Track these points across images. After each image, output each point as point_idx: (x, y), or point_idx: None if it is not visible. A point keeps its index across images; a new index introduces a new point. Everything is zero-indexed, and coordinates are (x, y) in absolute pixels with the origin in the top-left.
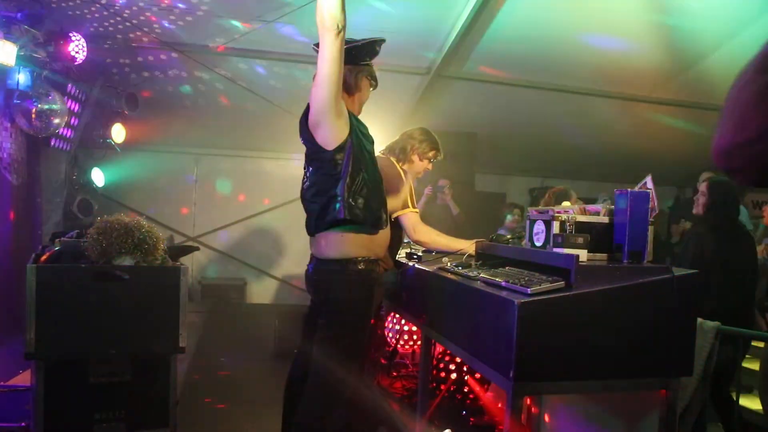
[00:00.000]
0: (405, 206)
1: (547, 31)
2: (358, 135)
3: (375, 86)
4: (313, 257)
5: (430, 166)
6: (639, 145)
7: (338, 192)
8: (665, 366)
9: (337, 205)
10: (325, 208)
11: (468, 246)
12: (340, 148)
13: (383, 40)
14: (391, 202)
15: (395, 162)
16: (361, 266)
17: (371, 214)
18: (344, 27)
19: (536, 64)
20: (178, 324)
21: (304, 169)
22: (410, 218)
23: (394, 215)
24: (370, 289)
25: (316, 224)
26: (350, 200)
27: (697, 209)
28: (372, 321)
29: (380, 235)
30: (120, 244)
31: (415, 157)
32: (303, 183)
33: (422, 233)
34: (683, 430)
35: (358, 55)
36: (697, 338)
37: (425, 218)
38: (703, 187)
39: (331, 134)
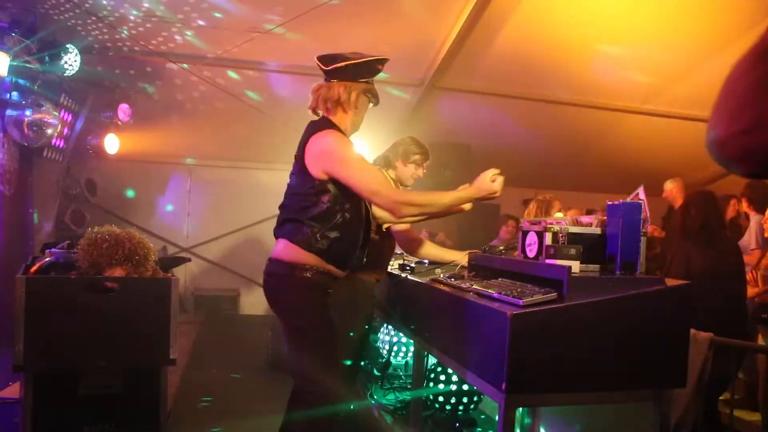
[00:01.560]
0: None
1: (539, 43)
2: None
3: (375, 104)
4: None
5: (419, 172)
6: (631, 157)
7: (306, 221)
8: (658, 377)
9: (300, 234)
10: (286, 223)
11: (461, 257)
12: (322, 183)
13: (385, 60)
14: (382, 212)
15: (384, 172)
16: (308, 274)
17: (336, 254)
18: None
19: (529, 75)
20: (168, 335)
21: (290, 176)
22: (402, 228)
23: (386, 225)
24: (319, 295)
25: (276, 231)
26: (317, 235)
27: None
28: (332, 328)
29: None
30: (110, 255)
31: (399, 163)
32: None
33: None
34: None
35: (357, 73)
36: (690, 349)
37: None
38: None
39: (320, 171)
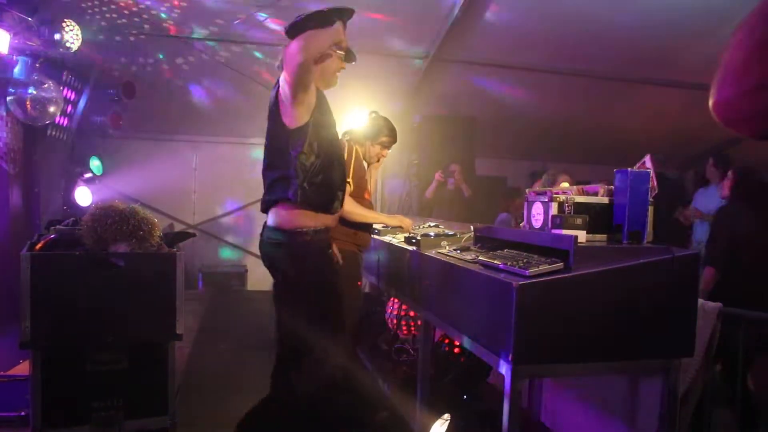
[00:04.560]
0: None
1: (546, 12)
2: (318, 117)
3: (348, 58)
4: (264, 225)
5: (384, 153)
6: (640, 128)
7: (291, 173)
8: (666, 347)
9: (290, 188)
10: (274, 185)
11: (388, 220)
12: (298, 130)
13: (347, 10)
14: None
15: (347, 139)
16: (308, 237)
17: (323, 198)
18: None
19: (536, 46)
20: (174, 310)
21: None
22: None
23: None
24: (321, 256)
25: (266, 199)
26: (304, 184)
27: (723, 192)
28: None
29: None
30: (114, 231)
31: (368, 142)
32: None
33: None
34: (685, 412)
35: (306, 27)
36: (698, 319)
37: (437, 203)
38: (729, 173)
39: (292, 115)
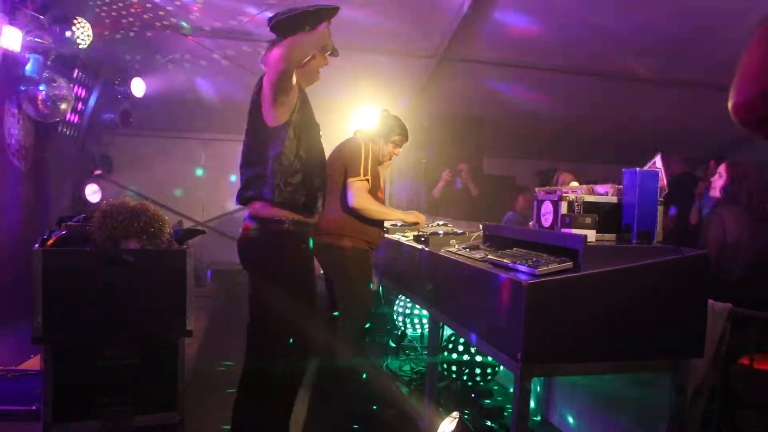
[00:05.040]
0: (355, 174)
1: (554, 11)
2: (300, 117)
3: (333, 54)
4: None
5: (396, 151)
6: (649, 127)
7: (267, 172)
8: (675, 347)
9: (266, 187)
10: (251, 182)
11: (404, 216)
12: (277, 129)
13: (332, 8)
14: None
15: (361, 138)
16: (285, 227)
17: (302, 199)
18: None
19: (544, 45)
20: (184, 307)
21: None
22: (355, 185)
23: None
24: (297, 245)
25: (243, 195)
26: (280, 184)
27: (714, 191)
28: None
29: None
30: (125, 227)
31: (381, 139)
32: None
33: (359, 200)
34: (694, 413)
35: (296, 25)
36: (708, 320)
37: (444, 202)
38: (721, 168)
39: (273, 114)
